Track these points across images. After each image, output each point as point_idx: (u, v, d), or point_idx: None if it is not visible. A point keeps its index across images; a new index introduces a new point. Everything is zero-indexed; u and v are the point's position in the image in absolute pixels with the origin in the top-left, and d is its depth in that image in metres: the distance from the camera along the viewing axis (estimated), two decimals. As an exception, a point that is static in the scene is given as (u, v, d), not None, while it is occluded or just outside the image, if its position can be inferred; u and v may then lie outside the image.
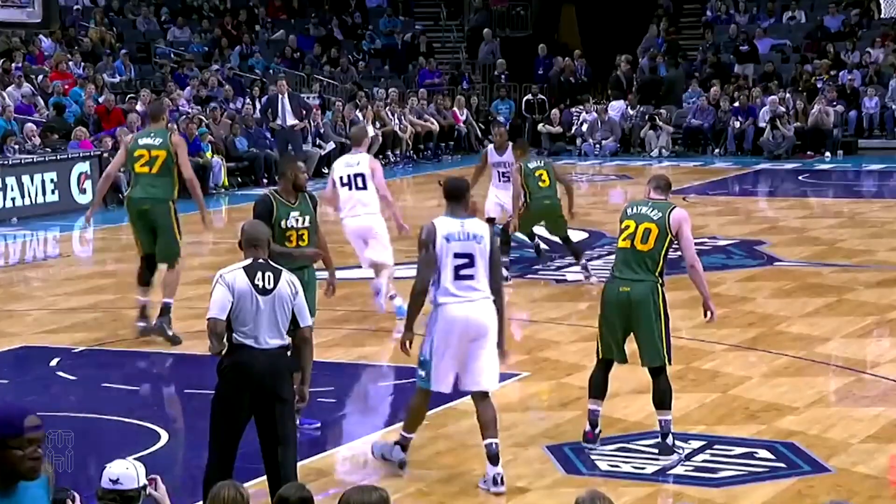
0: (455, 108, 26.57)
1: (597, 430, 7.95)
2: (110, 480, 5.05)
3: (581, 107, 26.46)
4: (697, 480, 7.53)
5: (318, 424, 8.33)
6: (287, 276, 6.57)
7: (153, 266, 10.80)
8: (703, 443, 8.08)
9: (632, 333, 7.80)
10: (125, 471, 5.08)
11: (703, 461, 7.82)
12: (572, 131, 26.38)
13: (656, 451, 7.84)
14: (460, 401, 8.98)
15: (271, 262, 6.63)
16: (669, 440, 7.82)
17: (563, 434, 8.33)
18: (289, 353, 6.58)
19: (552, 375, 9.73)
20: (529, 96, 27.23)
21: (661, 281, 7.75)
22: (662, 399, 7.79)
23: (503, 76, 28.41)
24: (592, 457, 7.86)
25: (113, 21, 27.07)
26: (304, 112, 21.78)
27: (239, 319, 6.43)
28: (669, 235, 7.69)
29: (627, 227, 7.75)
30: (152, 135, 10.65)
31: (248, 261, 6.56)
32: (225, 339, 6.47)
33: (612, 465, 7.77)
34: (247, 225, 6.81)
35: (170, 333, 10.59)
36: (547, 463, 7.80)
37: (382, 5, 31.18)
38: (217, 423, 6.54)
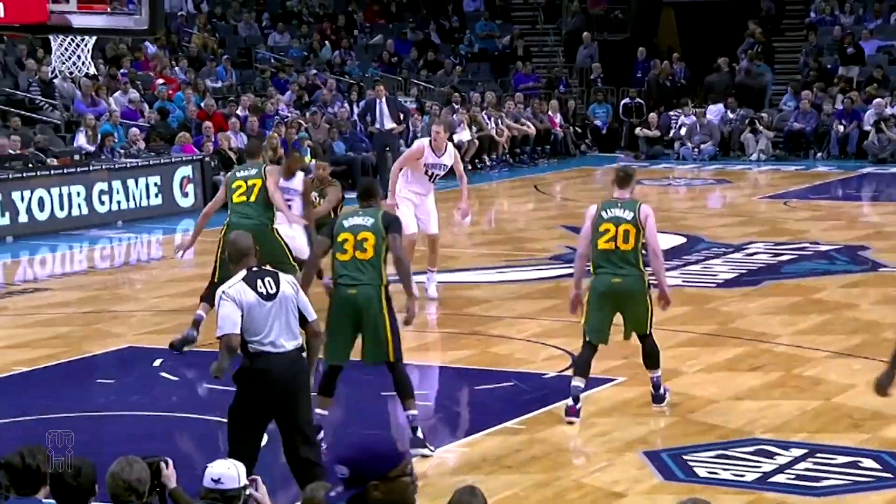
0: (551, 112, 26.49)
1: (578, 406, 8.50)
2: (212, 480, 5.13)
3: (679, 110, 26.20)
4: (800, 489, 7.40)
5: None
6: (285, 277, 6.72)
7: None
8: (804, 451, 7.94)
9: (620, 315, 8.66)
10: (226, 471, 5.16)
11: (806, 469, 7.68)
12: (670, 135, 26.13)
13: (661, 403, 8.81)
14: (556, 405, 8.96)
15: (265, 268, 6.74)
16: (662, 391, 8.85)
17: (659, 440, 8.26)
18: (303, 352, 6.70)
19: (647, 381, 9.63)
20: (627, 100, 27.04)
21: (645, 272, 8.64)
22: (654, 359, 8.79)
23: (600, 79, 28.26)
24: (690, 463, 7.78)
25: (215, 27, 27.52)
26: (402, 116, 21.89)
27: (251, 330, 6.54)
28: (642, 230, 8.52)
29: (608, 230, 8.55)
30: (248, 167, 10.89)
31: (244, 272, 6.65)
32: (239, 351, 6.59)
33: (710, 472, 7.67)
34: (233, 237, 6.94)
35: None
36: (644, 469, 7.74)
37: (480, 9, 31.21)
38: (238, 430, 6.65)
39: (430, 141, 12.36)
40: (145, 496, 5.01)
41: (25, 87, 20.79)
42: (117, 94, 21.36)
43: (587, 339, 8.63)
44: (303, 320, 6.70)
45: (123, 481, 4.94)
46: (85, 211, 17.88)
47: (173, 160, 19.38)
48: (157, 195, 18.93)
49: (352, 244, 7.85)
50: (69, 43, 7.69)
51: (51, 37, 7.83)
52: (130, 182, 18.57)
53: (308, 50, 27.68)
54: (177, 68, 23.85)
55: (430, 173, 12.37)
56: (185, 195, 19.34)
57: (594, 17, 30.21)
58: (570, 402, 8.53)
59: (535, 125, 25.78)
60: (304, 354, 6.77)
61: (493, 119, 24.97)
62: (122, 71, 22.39)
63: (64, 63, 7.79)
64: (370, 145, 22.16)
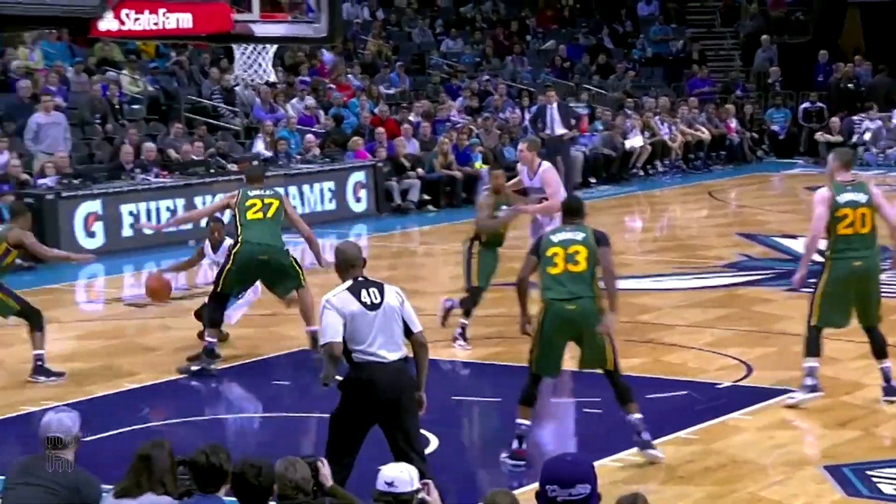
0: (727, 117, 26.02)
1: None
2: (385, 483, 5.21)
3: (864, 114, 25.40)
4: None
5: (523, 465, 7.99)
6: (391, 288, 6.74)
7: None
8: None
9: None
10: (399, 474, 5.22)
11: None
12: (853, 140, 25.35)
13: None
14: (730, 416, 8.80)
15: (370, 279, 6.74)
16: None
17: (841, 454, 8.03)
18: (408, 362, 6.73)
19: (829, 393, 9.38)
20: (807, 104, 26.36)
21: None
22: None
23: (779, 83, 27.62)
24: (874, 479, 7.55)
25: (390, 33, 27.95)
26: (573, 121, 21.82)
27: (355, 339, 6.59)
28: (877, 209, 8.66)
29: (846, 215, 8.74)
30: (261, 189, 10.72)
31: (350, 281, 6.70)
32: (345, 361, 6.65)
33: None
34: (341, 246, 6.96)
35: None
36: (824, 484, 7.54)
37: (654, 13, 30.90)
38: (338, 439, 6.71)
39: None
40: (311, 495, 5.14)
41: (208, 94, 21.50)
42: (294, 100, 21.89)
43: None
44: (408, 331, 6.74)
45: (290, 481, 5.07)
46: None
47: (347, 166, 19.76)
48: (330, 200, 19.33)
49: (562, 257, 7.86)
50: (251, 51, 7.93)
51: (234, 46, 8.09)
52: (305, 187, 19.01)
53: (480, 56, 27.86)
54: (350, 75, 24.30)
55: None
56: (358, 200, 19.69)
57: (774, 19, 29.55)
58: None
59: (710, 130, 25.36)
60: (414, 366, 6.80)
61: (666, 124, 24.68)
62: (300, 78, 22.94)
63: (246, 71, 8.03)
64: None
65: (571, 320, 7.84)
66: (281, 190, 11.17)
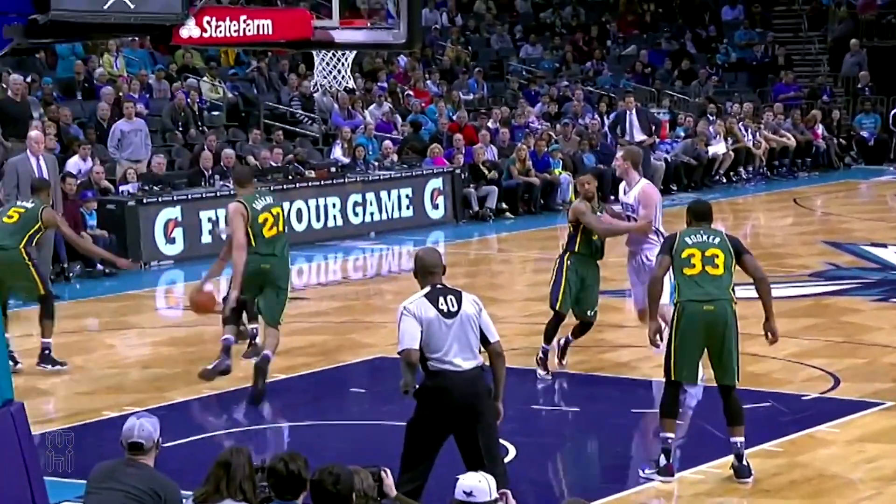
0: (814, 123, 25.67)
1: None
2: (464, 493, 5.22)
3: (957, 120, 24.95)
4: None
5: (672, 481, 7.92)
6: (468, 297, 6.74)
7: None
8: None
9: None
10: (478, 483, 5.23)
11: None
12: (944, 146, 24.91)
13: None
14: (817, 428, 8.68)
15: (449, 286, 6.76)
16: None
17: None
18: (485, 371, 6.72)
19: (920, 406, 9.22)
20: (897, 110, 25.93)
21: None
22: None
23: (868, 88, 27.19)
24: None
25: (468, 39, 28.01)
26: (653, 127, 21.69)
27: (431, 347, 6.61)
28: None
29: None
30: (261, 196, 10.17)
31: (428, 288, 6.71)
32: (421, 369, 6.65)
33: None
34: (421, 252, 6.94)
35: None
36: (914, 500, 7.40)
37: (739, 17, 30.60)
38: (414, 447, 6.73)
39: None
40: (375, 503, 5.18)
41: (287, 101, 21.71)
42: (372, 107, 22.02)
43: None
44: (485, 341, 6.74)
45: (357, 489, 5.10)
46: (340, 222, 18.50)
47: (425, 172, 19.83)
48: (408, 207, 19.40)
49: (699, 259, 7.85)
50: (331, 58, 8.00)
51: (313, 52, 8.16)
52: (383, 194, 19.10)
53: (560, 61, 27.80)
54: (429, 81, 24.39)
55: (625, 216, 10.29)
56: (436, 207, 19.75)
57: (863, 23, 29.10)
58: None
59: (796, 136, 25.04)
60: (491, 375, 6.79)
61: (750, 130, 24.41)
62: (378, 84, 23.07)
63: (325, 77, 8.09)
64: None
65: (708, 322, 7.80)
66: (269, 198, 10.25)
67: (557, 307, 10.12)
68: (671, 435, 7.88)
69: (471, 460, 6.66)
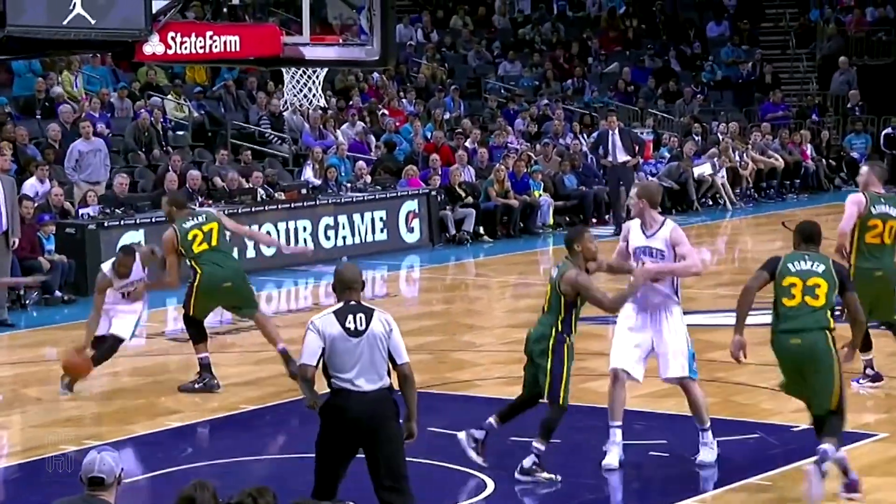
0: (802, 144, 25.86)
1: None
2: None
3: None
4: None
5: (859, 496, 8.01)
6: (379, 316, 6.84)
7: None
8: None
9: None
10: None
11: None
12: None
13: None
14: (807, 461, 8.69)
15: (363, 304, 6.87)
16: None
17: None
18: (392, 393, 6.84)
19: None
20: (889, 129, 26.13)
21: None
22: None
23: (858, 108, 27.41)
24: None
25: (445, 56, 28.10)
26: (637, 147, 21.83)
27: (334, 364, 6.77)
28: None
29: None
30: (194, 216, 11.17)
31: (340, 304, 6.85)
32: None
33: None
34: (340, 267, 7.11)
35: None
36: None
37: (725, 34, 30.83)
38: (319, 462, 6.96)
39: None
40: None
41: (255, 120, 21.72)
42: (345, 126, 22.04)
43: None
44: (393, 362, 6.86)
45: None
46: (311, 246, 18.49)
47: (399, 194, 19.85)
48: (382, 230, 19.41)
49: (800, 289, 7.92)
50: (301, 75, 8.03)
51: (283, 69, 8.19)
52: (356, 216, 19.11)
53: (540, 79, 27.92)
54: (404, 100, 24.44)
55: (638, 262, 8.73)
56: (411, 230, 19.76)
57: (853, 41, 29.37)
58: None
59: (784, 157, 25.21)
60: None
61: (737, 151, 24.57)
62: (350, 103, 23.11)
63: (295, 95, 8.12)
64: (603, 179, 22.14)
65: (794, 356, 7.94)
66: (213, 210, 11.55)
67: (561, 402, 8.43)
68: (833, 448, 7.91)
69: (376, 480, 6.84)
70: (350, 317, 6.80)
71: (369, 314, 6.83)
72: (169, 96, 21.16)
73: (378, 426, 6.78)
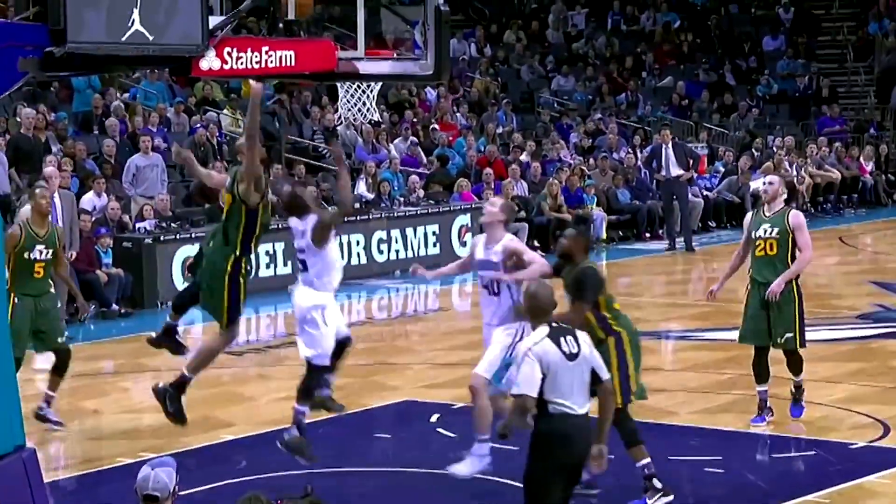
0: (861, 158, 25.62)
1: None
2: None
3: None
4: None
5: None
6: (580, 336, 6.70)
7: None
8: None
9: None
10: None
11: None
12: None
13: None
14: (866, 478, 8.61)
15: (564, 325, 6.73)
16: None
17: None
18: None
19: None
20: (947, 143, 25.86)
21: None
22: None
23: (916, 121, 27.16)
24: None
25: (498, 71, 28.13)
26: (691, 161, 21.73)
27: (554, 389, 6.53)
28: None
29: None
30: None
31: (546, 328, 6.64)
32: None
33: None
34: (536, 289, 6.84)
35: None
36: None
37: (781, 47, 30.62)
38: (542, 494, 6.55)
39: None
40: None
41: (310, 135, 21.84)
42: (398, 140, 22.12)
43: None
44: (596, 379, 6.68)
45: None
46: (364, 260, 18.56)
47: (452, 208, 19.87)
48: (434, 244, 19.44)
49: None
50: (355, 90, 8.07)
51: (338, 84, 8.24)
52: (409, 230, 19.15)
53: (594, 93, 27.87)
54: (458, 114, 24.49)
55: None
56: (463, 244, 19.76)
57: (912, 53, 29.09)
58: None
59: (841, 171, 24.99)
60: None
61: (794, 165, 24.39)
62: (404, 117, 23.18)
63: (349, 110, 8.16)
64: (657, 193, 22.05)
65: None
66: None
67: (631, 398, 8.36)
68: (647, 460, 8.01)
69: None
70: (562, 339, 6.62)
71: (574, 335, 6.69)
72: (224, 111, 21.33)
73: (586, 455, 6.63)
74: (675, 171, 20.82)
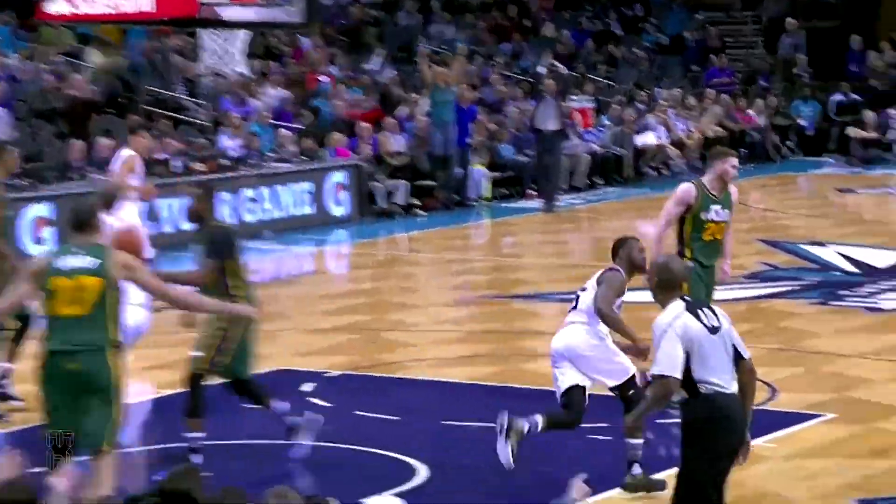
0: (749, 111, 26.07)
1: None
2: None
3: (901, 108, 25.51)
4: None
5: None
6: (718, 309, 6.41)
7: None
8: None
9: None
10: (387, 504, 5.20)
11: None
12: (888, 136, 25.44)
13: None
14: (753, 443, 8.78)
15: (692, 299, 6.53)
16: None
17: (877, 487, 8.04)
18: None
19: (863, 418, 9.39)
20: (838, 96, 26.43)
21: None
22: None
23: (806, 73, 27.68)
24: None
25: (374, 18, 27.91)
26: (564, 115, 21.81)
27: (703, 367, 6.18)
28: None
29: None
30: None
31: (681, 302, 6.34)
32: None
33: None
34: (667, 262, 6.59)
35: None
36: (856, 519, 7.55)
37: (668, -5, 30.97)
38: (705, 482, 6.21)
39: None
40: None
41: (172, 86, 21.44)
42: (267, 91, 21.83)
43: None
44: (738, 357, 6.34)
45: None
46: (232, 220, 18.36)
47: (326, 165, 19.75)
48: (308, 203, 19.32)
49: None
50: (219, 38, 7.95)
51: (201, 31, 8.11)
52: (280, 188, 19.00)
53: (474, 42, 27.85)
54: (332, 65, 24.27)
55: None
56: (339, 203, 19.69)
57: (801, 2, 29.63)
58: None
59: (730, 126, 25.41)
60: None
61: (681, 119, 24.73)
62: (274, 65, 22.88)
63: (214, 60, 8.05)
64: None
65: None
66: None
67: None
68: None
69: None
70: (700, 313, 6.27)
71: (711, 309, 6.38)
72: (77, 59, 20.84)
73: (744, 437, 6.29)
74: (553, 125, 20.88)
